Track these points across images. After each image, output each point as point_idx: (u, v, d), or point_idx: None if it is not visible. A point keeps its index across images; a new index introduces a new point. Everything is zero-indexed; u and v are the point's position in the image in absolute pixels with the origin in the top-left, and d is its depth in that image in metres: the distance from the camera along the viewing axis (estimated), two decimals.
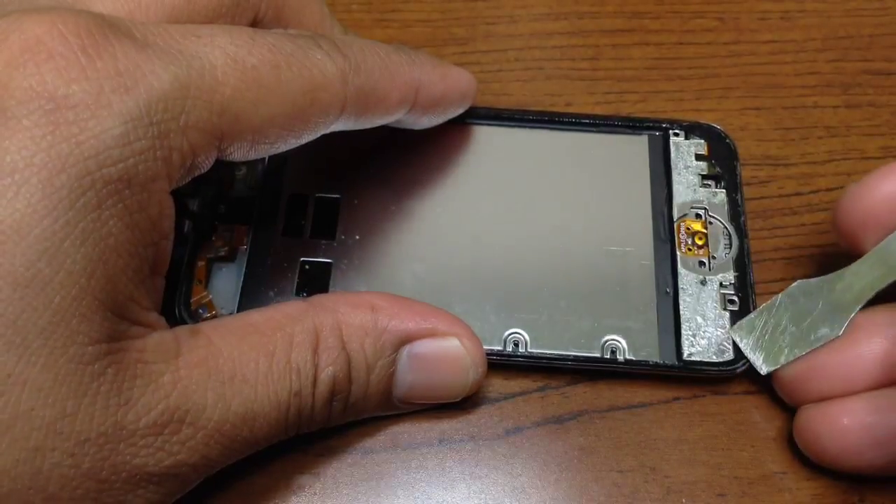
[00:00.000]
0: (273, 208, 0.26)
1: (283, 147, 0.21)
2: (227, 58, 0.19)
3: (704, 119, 0.28)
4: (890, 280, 0.22)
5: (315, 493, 0.23)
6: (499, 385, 0.24)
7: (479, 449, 0.23)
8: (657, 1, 0.33)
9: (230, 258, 0.25)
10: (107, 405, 0.17)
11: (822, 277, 0.23)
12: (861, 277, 0.22)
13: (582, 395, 0.24)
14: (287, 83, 0.20)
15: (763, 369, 0.23)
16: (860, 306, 0.22)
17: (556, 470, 0.23)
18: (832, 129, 0.29)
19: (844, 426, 0.21)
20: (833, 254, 0.27)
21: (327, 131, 0.22)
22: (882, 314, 0.22)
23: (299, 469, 0.23)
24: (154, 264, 0.19)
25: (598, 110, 0.30)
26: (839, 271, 0.23)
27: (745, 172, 0.28)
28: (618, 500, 0.22)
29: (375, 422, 0.23)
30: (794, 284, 0.23)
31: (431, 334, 0.22)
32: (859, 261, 0.22)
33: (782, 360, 0.23)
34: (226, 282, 0.25)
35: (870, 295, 0.22)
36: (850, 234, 0.23)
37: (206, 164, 0.19)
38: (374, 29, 0.32)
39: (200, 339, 0.19)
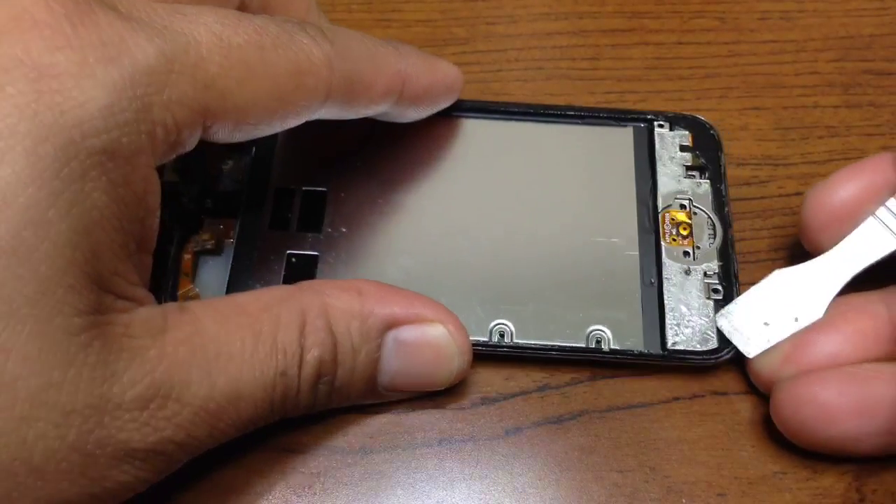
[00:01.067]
0: (260, 202, 0.26)
1: (267, 130, 0.21)
2: (213, 36, 0.19)
3: (704, 119, 0.28)
4: (864, 265, 0.23)
5: (315, 493, 0.23)
6: (499, 385, 0.24)
7: (479, 449, 0.23)
8: (657, 1, 0.33)
9: (217, 251, 0.25)
10: (92, 377, 0.17)
11: (800, 265, 0.24)
12: (838, 263, 0.23)
13: (582, 395, 0.24)
14: (272, 65, 0.20)
15: (750, 353, 0.23)
16: (839, 289, 0.23)
17: (556, 470, 0.23)
18: (832, 129, 0.29)
19: (825, 394, 0.21)
20: None
21: (312, 118, 0.22)
22: (857, 298, 0.23)
23: (299, 469, 0.23)
24: (140, 240, 0.19)
25: None
26: (816, 259, 0.24)
27: (745, 172, 0.28)
28: (618, 500, 0.23)
29: (375, 422, 0.23)
30: (774, 272, 0.24)
31: (417, 320, 0.22)
32: (835, 248, 0.23)
33: (767, 343, 0.23)
34: (213, 275, 0.25)
35: (847, 278, 0.23)
36: (815, 232, 0.24)
37: (190, 141, 0.19)
38: (375, 29, 0.32)
39: (187, 316, 0.19)
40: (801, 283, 0.23)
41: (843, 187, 0.23)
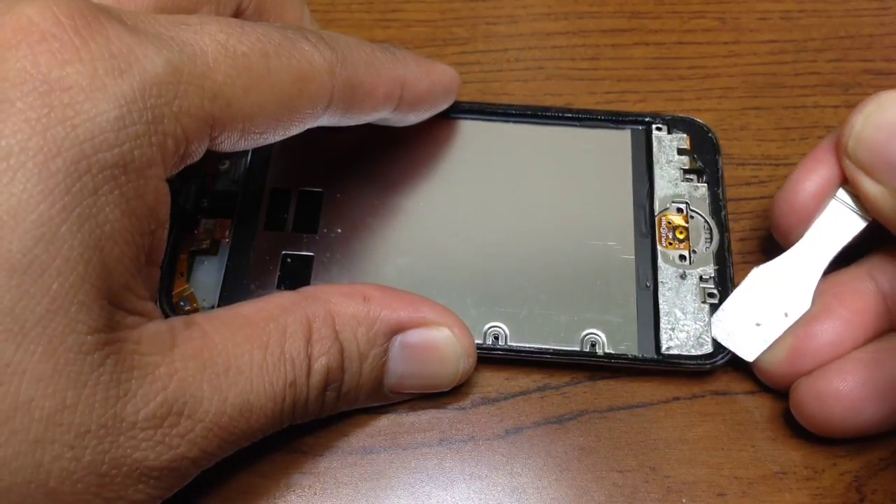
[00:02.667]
0: (256, 202, 0.26)
1: (271, 138, 0.21)
2: (218, 45, 0.19)
3: (704, 119, 0.28)
4: (837, 248, 0.23)
5: (315, 493, 0.23)
6: (499, 385, 0.24)
7: (479, 449, 0.23)
8: (657, 1, 0.33)
9: (212, 251, 0.25)
10: (106, 397, 0.17)
11: (776, 259, 0.24)
12: (812, 251, 0.23)
13: (582, 395, 0.24)
14: (276, 72, 0.20)
15: (749, 357, 0.23)
16: (819, 277, 0.23)
17: (556, 470, 0.23)
18: (832, 129, 0.29)
19: (845, 386, 0.22)
20: None
21: (315, 125, 0.22)
22: (844, 276, 0.24)
23: (300, 469, 0.23)
24: (150, 253, 0.19)
25: None
26: (790, 250, 0.24)
27: (745, 172, 0.28)
28: (618, 500, 0.23)
29: (375, 422, 0.24)
30: (753, 270, 0.24)
31: (423, 324, 0.22)
32: (805, 237, 0.24)
33: (764, 343, 0.23)
34: (208, 275, 0.25)
35: (824, 265, 0.23)
36: (785, 229, 0.24)
37: (198, 151, 0.19)
38: (375, 29, 0.32)
39: (195, 330, 0.19)
40: (781, 276, 0.24)
41: (804, 184, 0.24)
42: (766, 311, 0.23)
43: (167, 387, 0.18)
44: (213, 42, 0.19)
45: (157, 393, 0.18)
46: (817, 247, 0.23)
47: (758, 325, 0.23)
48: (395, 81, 0.23)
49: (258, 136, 0.20)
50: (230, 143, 0.20)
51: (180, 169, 0.19)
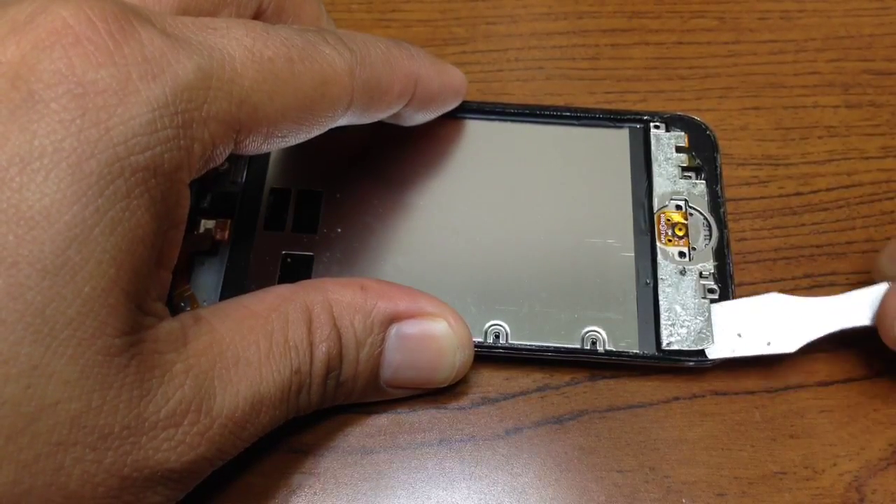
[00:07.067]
0: (256, 202, 0.26)
1: (292, 141, 0.21)
2: (245, 50, 0.19)
3: (704, 118, 0.28)
4: (854, 324, 0.23)
5: (315, 493, 0.23)
6: (499, 385, 0.24)
7: (479, 449, 0.23)
8: (657, 1, 0.33)
9: (212, 252, 0.25)
10: (130, 398, 0.17)
11: (799, 298, 0.24)
12: (833, 312, 0.24)
13: (582, 395, 0.24)
14: (300, 76, 0.20)
15: (711, 354, 0.24)
16: (820, 335, 0.23)
17: (556, 470, 0.23)
18: (832, 129, 0.29)
19: None
20: (832, 254, 0.27)
21: (334, 125, 0.22)
22: None
23: (299, 469, 0.23)
24: (168, 254, 0.19)
25: None
26: (816, 298, 0.24)
27: (745, 172, 0.28)
28: (618, 500, 0.23)
29: (375, 422, 0.24)
30: (772, 294, 0.24)
31: (420, 314, 0.22)
32: (840, 296, 0.24)
33: (731, 352, 0.23)
34: (208, 275, 0.25)
35: (833, 330, 0.23)
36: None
37: (222, 155, 0.19)
38: (375, 29, 0.32)
39: (203, 325, 0.19)
40: (790, 314, 0.24)
41: None
42: (753, 331, 0.24)
43: (184, 384, 0.18)
44: (241, 47, 0.19)
45: (176, 390, 0.18)
46: (840, 312, 0.23)
47: (738, 335, 0.24)
48: (409, 77, 0.23)
49: (280, 139, 0.20)
50: (254, 146, 0.20)
51: (203, 173, 0.19)
